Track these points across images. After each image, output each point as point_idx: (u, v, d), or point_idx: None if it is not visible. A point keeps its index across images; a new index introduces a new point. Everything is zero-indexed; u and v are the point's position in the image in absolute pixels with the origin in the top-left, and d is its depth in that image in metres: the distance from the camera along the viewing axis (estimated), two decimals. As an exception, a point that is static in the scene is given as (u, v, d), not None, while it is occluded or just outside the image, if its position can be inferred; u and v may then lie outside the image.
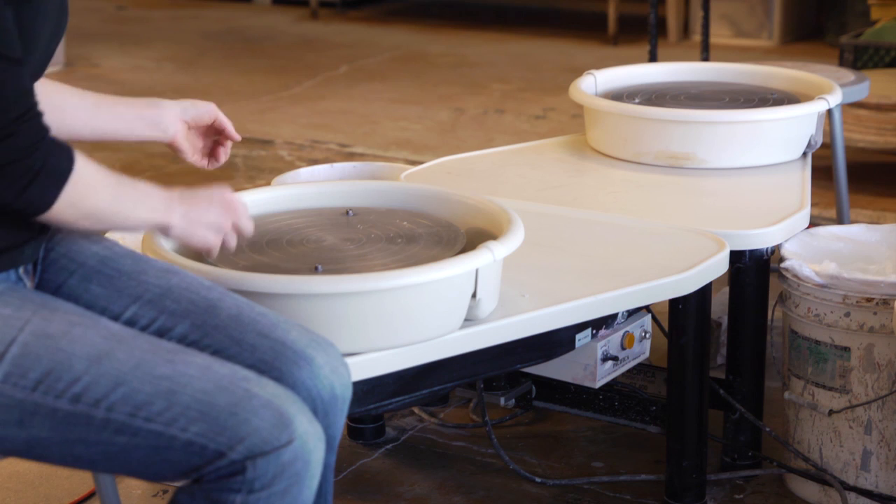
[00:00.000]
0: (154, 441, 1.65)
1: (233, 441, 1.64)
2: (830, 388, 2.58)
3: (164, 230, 1.87)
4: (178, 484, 2.36)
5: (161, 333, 1.82)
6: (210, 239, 1.90)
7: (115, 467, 1.69)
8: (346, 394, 1.84)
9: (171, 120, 2.10)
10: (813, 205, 3.04)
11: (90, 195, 1.74)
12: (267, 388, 1.68)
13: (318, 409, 1.79)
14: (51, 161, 1.69)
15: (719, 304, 3.12)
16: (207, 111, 2.14)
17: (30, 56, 1.74)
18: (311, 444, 1.67)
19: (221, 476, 1.65)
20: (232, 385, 1.67)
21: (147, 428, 1.65)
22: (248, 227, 1.96)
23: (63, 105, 2.00)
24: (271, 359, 1.78)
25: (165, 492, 2.70)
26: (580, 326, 2.33)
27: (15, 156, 1.66)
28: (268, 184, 2.71)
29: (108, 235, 2.54)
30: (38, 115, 1.71)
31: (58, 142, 1.72)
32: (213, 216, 1.89)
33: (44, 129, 1.71)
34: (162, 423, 1.65)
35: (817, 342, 2.58)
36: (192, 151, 2.16)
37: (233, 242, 1.95)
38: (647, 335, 2.57)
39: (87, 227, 1.78)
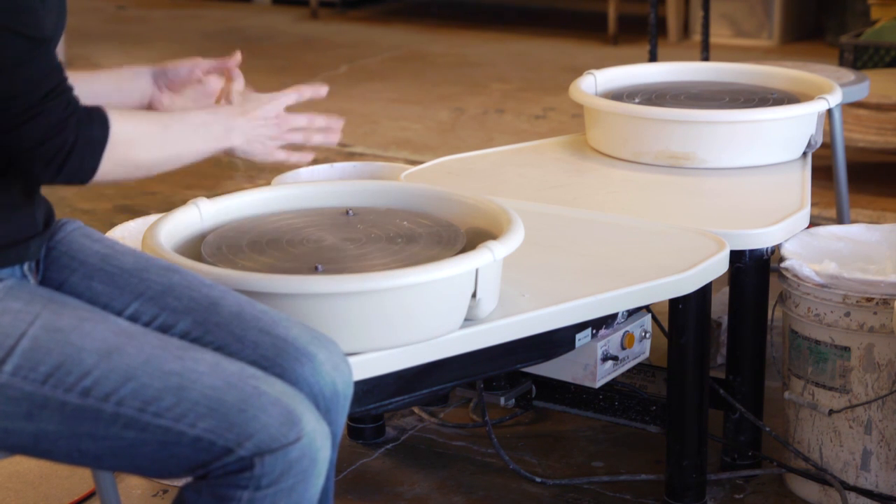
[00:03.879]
0: (162, 436, 1.65)
1: (241, 437, 1.64)
2: (830, 388, 2.58)
3: (228, 150, 1.94)
4: (180, 483, 2.36)
5: (163, 330, 1.83)
6: (275, 154, 1.98)
7: (122, 463, 1.70)
8: (348, 390, 1.84)
9: (145, 87, 2.09)
10: (813, 205, 3.04)
11: (135, 153, 1.77)
12: (275, 386, 1.69)
13: (320, 405, 1.80)
14: (83, 133, 1.72)
15: (719, 304, 3.12)
16: (184, 67, 2.10)
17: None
18: (319, 443, 1.68)
19: (229, 472, 1.65)
20: (241, 382, 1.68)
21: (156, 423, 1.65)
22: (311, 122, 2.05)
23: None
24: (273, 355, 1.79)
25: (165, 492, 2.70)
26: (580, 326, 2.33)
27: (47, 134, 1.69)
28: (268, 183, 2.71)
29: (109, 234, 2.54)
30: (67, 90, 1.73)
31: (89, 110, 1.74)
32: (267, 136, 1.96)
33: (73, 103, 1.73)
34: (171, 419, 1.65)
35: (817, 342, 2.58)
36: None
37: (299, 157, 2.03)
38: (647, 335, 2.57)
39: (144, 176, 1.82)
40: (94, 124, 1.73)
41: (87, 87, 2.03)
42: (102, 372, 1.67)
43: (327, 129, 2.06)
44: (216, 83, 2.14)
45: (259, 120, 1.95)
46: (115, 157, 1.75)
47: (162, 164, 1.82)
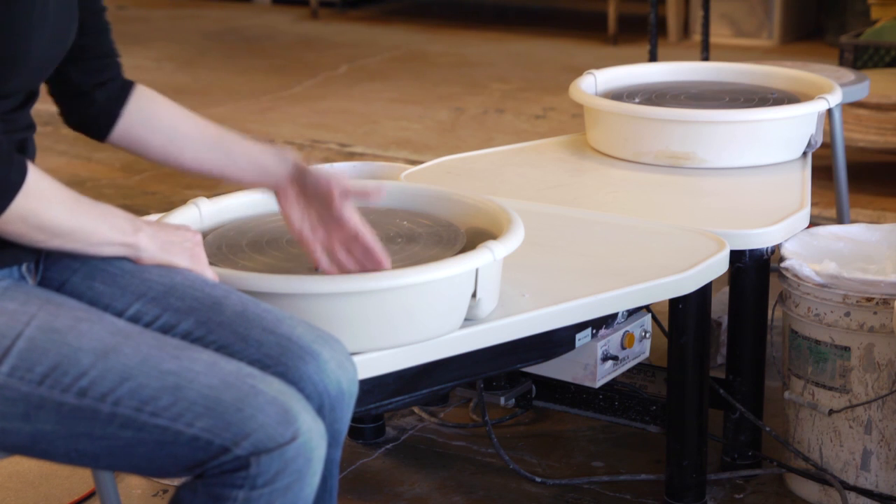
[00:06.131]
0: (159, 436, 1.65)
1: (238, 437, 1.64)
2: (830, 388, 2.58)
3: (134, 251, 1.85)
4: (178, 483, 2.35)
5: (165, 330, 1.82)
6: (186, 262, 1.88)
7: (119, 463, 1.70)
8: (353, 389, 1.84)
9: (282, 173, 2.02)
10: (813, 205, 3.04)
11: (44, 209, 1.73)
12: (272, 385, 1.69)
13: (325, 403, 1.79)
14: None
15: (719, 304, 3.12)
16: (324, 180, 1.95)
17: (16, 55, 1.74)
18: (314, 442, 1.67)
19: (225, 471, 1.65)
20: (238, 381, 1.68)
21: (153, 422, 1.65)
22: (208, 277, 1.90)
23: (174, 131, 2.01)
24: (277, 354, 1.78)
25: (165, 491, 2.70)
26: (580, 326, 2.33)
27: None
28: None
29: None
30: None
31: (11, 154, 1.70)
32: (182, 241, 1.88)
33: None
34: (168, 418, 1.65)
35: (817, 342, 2.58)
36: (299, 219, 2.03)
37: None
38: (647, 335, 2.57)
39: (43, 241, 1.76)
40: (12, 168, 1.69)
41: (225, 153, 2.02)
42: (99, 372, 1.67)
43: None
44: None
45: (169, 230, 1.88)
46: (24, 209, 1.71)
47: (66, 233, 1.76)
